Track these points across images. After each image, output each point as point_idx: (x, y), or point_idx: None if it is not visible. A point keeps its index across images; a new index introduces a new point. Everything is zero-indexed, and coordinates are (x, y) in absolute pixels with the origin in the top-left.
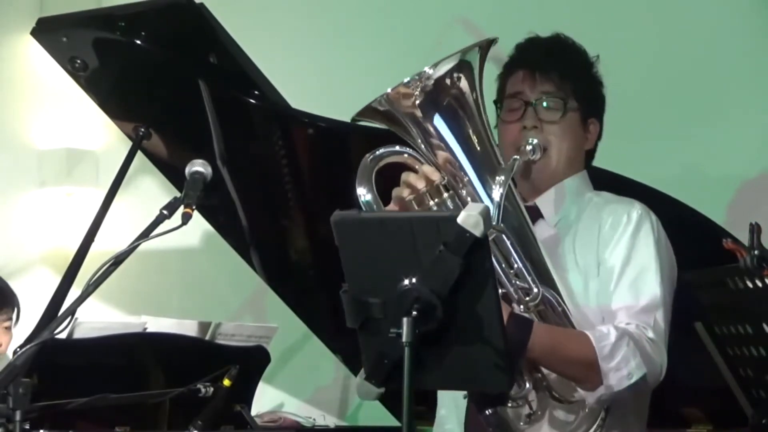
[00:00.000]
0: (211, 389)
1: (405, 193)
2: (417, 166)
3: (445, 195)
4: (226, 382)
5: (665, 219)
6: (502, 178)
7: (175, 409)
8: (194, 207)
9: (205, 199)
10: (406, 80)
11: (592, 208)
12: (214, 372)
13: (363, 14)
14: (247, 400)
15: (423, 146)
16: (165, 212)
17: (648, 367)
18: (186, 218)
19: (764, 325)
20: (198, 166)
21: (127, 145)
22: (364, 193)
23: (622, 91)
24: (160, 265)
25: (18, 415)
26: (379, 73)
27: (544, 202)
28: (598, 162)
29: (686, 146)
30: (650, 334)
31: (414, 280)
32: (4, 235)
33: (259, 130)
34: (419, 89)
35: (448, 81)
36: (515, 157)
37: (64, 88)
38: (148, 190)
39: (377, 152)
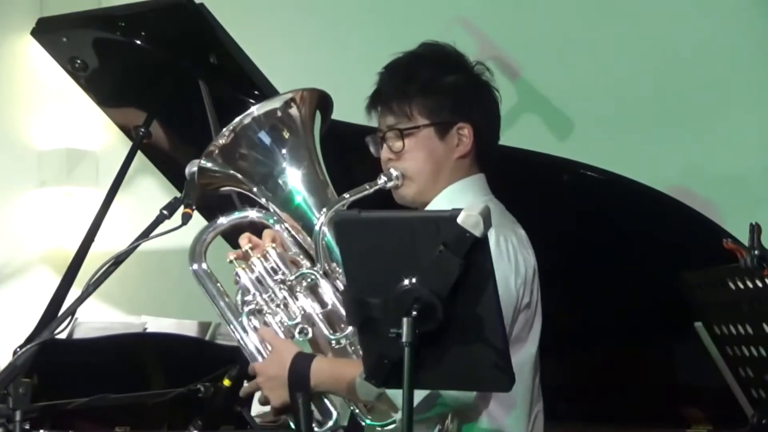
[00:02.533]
0: (211, 389)
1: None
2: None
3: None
4: (226, 382)
5: (666, 219)
6: (323, 212)
7: (175, 409)
8: (194, 207)
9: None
10: (222, 133)
11: None
12: (214, 372)
13: (363, 14)
14: (247, 400)
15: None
16: (165, 212)
17: None
18: (186, 218)
19: (764, 325)
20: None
21: (127, 145)
22: (194, 266)
23: (622, 91)
24: (160, 265)
25: (18, 415)
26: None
27: None
28: (601, 162)
29: (686, 146)
30: None
31: (414, 280)
32: (4, 235)
33: None
34: (231, 138)
35: (260, 124)
36: (344, 194)
37: (64, 88)
38: (148, 190)
39: (209, 232)
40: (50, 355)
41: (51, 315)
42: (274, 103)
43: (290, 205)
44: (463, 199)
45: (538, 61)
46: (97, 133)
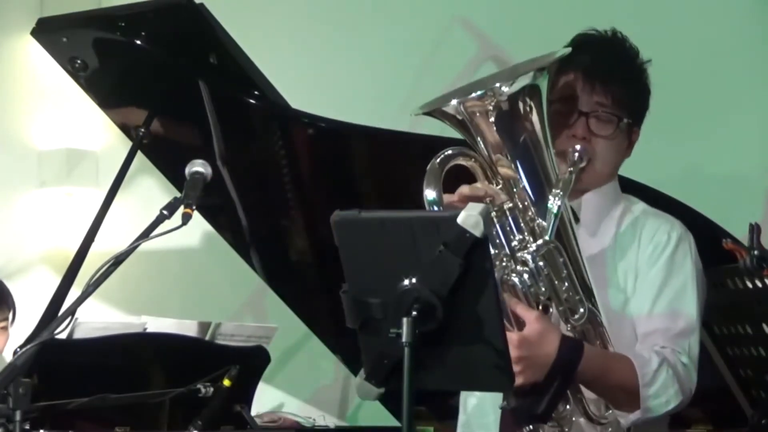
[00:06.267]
0: (211, 389)
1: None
2: (480, 183)
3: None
4: (226, 382)
5: None
6: (560, 191)
7: (175, 409)
8: (194, 207)
9: (205, 199)
10: (479, 93)
11: (631, 219)
12: (214, 372)
13: (362, 14)
14: (247, 400)
15: (484, 151)
16: (165, 212)
17: (682, 393)
18: (186, 218)
19: (764, 325)
20: (198, 166)
21: (127, 145)
22: (430, 193)
23: None
24: (160, 265)
25: (18, 415)
26: (379, 72)
27: (582, 206)
28: None
29: (686, 146)
30: (684, 359)
31: (414, 280)
32: (4, 235)
33: (259, 130)
34: (493, 103)
35: (520, 98)
36: (570, 169)
37: (64, 88)
38: (148, 190)
39: (447, 152)
40: (50, 355)
41: (51, 315)
42: (527, 78)
43: (513, 174)
44: (618, 199)
45: None
46: (97, 133)
